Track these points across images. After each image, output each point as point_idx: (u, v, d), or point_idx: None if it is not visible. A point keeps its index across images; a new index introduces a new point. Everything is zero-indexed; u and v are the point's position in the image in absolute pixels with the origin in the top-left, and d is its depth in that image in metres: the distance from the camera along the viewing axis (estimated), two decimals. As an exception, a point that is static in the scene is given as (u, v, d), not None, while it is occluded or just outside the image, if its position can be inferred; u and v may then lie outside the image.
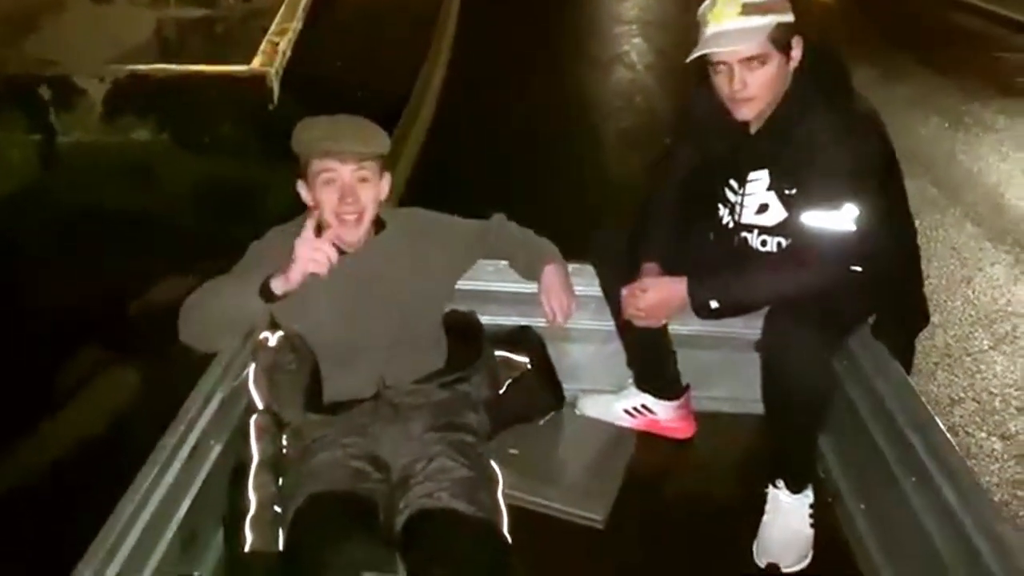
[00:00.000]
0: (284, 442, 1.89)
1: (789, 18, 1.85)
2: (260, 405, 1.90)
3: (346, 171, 1.88)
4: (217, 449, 1.87)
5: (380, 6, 8.53)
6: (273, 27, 6.88)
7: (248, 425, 1.87)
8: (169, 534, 1.67)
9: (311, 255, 1.78)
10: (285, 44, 6.53)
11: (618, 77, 7.68)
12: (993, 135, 6.31)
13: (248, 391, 1.91)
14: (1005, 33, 9.50)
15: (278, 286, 1.79)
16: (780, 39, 1.83)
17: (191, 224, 4.04)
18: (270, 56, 6.18)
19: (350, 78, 5.99)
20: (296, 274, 1.78)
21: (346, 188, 1.88)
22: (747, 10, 1.80)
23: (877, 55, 8.14)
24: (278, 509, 1.76)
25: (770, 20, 1.81)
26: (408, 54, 6.87)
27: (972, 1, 10.49)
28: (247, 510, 1.74)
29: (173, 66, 5.92)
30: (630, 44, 8.74)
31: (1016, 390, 3.42)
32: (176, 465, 1.69)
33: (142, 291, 3.57)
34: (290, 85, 5.96)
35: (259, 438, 1.85)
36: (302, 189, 1.94)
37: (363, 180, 1.90)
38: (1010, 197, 5.21)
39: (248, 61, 6.05)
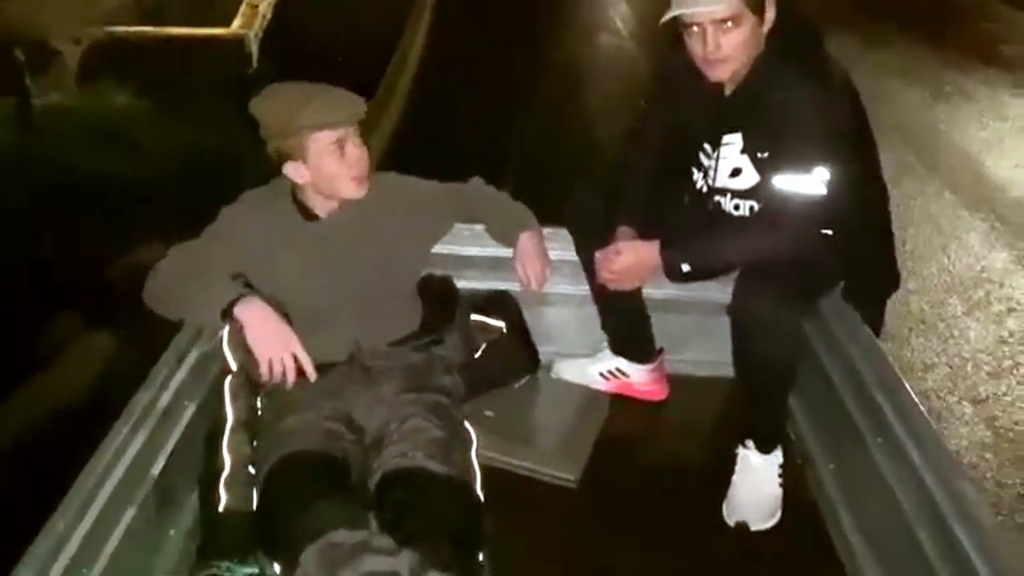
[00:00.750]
0: (258, 404, 1.90)
1: None
2: (234, 367, 1.89)
3: (351, 135, 1.90)
4: (191, 409, 1.88)
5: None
6: (252, -11, 6.78)
7: (223, 386, 1.88)
8: (143, 492, 1.69)
9: (272, 357, 1.80)
10: (265, 7, 6.43)
11: (603, 43, 7.63)
12: (974, 105, 6.32)
13: (223, 352, 1.91)
14: (991, 2, 9.49)
15: (240, 316, 1.80)
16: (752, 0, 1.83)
17: (168, 188, 4.00)
18: (249, 19, 6.09)
19: (330, 43, 5.93)
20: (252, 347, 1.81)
21: (355, 152, 1.91)
22: None
23: (858, 22, 8.11)
24: (252, 470, 1.77)
25: None
26: (389, 21, 6.79)
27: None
28: (221, 470, 1.75)
29: (150, 28, 5.83)
30: (615, 11, 8.67)
31: (988, 355, 3.46)
32: (150, 423, 1.70)
33: (119, 256, 3.54)
34: (270, 49, 5.90)
35: (234, 399, 1.85)
36: (295, 168, 1.91)
37: (363, 140, 1.93)
38: (989, 166, 5.24)
39: (227, 24, 5.96)
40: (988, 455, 2.94)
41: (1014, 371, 3.37)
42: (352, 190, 1.94)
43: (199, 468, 1.80)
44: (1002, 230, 4.45)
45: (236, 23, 5.97)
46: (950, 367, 3.38)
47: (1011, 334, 3.60)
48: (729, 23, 1.82)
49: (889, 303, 2.27)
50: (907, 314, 3.68)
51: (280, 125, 1.87)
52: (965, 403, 3.18)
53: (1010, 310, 3.76)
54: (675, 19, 1.86)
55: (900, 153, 5.29)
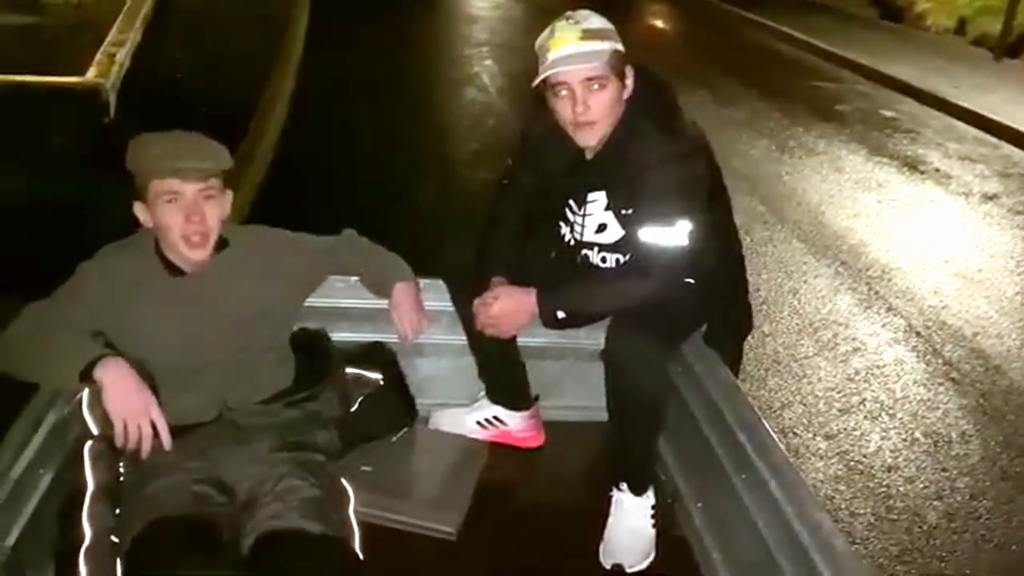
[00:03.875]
0: (121, 469, 1.81)
1: (622, 48, 1.96)
2: (95, 431, 1.81)
3: (191, 190, 1.83)
4: (47, 477, 1.77)
5: (226, 18, 8.30)
6: (110, 37, 6.57)
7: (82, 452, 1.78)
8: (-5, 568, 1.57)
9: (128, 420, 1.72)
10: (123, 55, 6.24)
11: (470, 99, 7.79)
12: (815, 157, 6.82)
13: (82, 416, 1.82)
14: (821, 63, 10.32)
15: (99, 377, 1.71)
16: (617, 65, 1.94)
17: (15, 245, 3.78)
18: (106, 67, 5.89)
19: (192, 92, 5.80)
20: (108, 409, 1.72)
21: (192, 208, 1.83)
22: (587, 35, 1.91)
23: (707, 79, 8.66)
24: (115, 539, 1.68)
25: (608, 46, 1.92)
26: (253, 69, 6.72)
27: (791, 32, 11.33)
28: (81, 541, 1.66)
29: (-2, 76, 5.54)
30: (481, 66, 8.88)
31: (837, 392, 3.70)
32: (1, 495, 1.59)
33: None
34: (128, 98, 5.71)
35: (94, 465, 1.77)
36: (140, 211, 1.88)
37: (208, 198, 1.86)
38: (830, 215, 5.65)
39: (81, 73, 5.74)
40: (841, 487, 3.13)
41: (861, 407, 3.61)
42: (183, 248, 1.86)
43: (56, 539, 1.70)
44: (845, 275, 4.80)
45: (91, 72, 5.77)
46: (804, 405, 3.60)
47: (857, 372, 3.86)
48: (596, 84, 1.92)
49: (746, 345, 2.42)
50: (763, 355, 3.90)
51: (129, 164, 1.86)
52: (819, 439, 3.38)
53: (855, 350, 4.05)
54: (544, 83, 1.94)
55: (750, 201, 5.64)
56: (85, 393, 1.81)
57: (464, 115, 7.34)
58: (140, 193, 1.86)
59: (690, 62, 9.63)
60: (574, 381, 2.53)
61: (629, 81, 1.98)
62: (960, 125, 7.98)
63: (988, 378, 3.89)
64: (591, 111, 1.94)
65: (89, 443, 1.79)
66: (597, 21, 1.95)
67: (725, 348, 2.20)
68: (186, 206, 1.83)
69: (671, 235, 1.95)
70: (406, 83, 7.96)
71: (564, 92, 1.94)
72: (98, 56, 6.08)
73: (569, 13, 1.96)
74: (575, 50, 1.90)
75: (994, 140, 7.59)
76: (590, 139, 2.00)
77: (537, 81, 1.95)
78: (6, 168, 4.62)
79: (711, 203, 2.04)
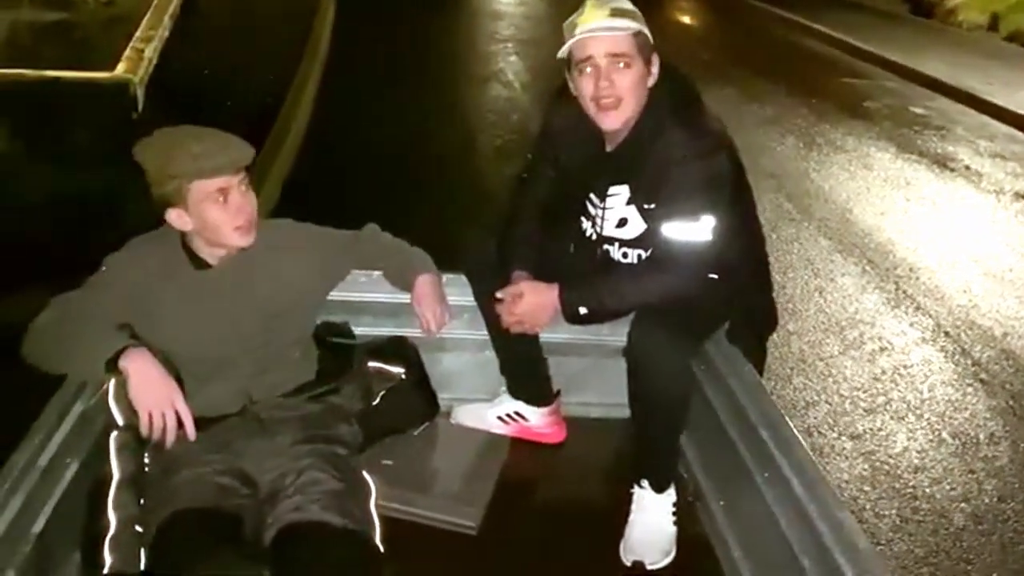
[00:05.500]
0: (146, 459, 1.83)
1: (649, 34, 1.95)
2: (120, 421, 1.82)
3: (235, 182, 1.84)
4: (74, 466, 1.80)
5: (253, 15, 8.36)
6: (139, 33, 6.64)
7: (108, 442, 1.80)
8: (21, 556, 1.59)
9: (153, 411, 1.73)
10: (151, 51, 6.31)
11: (495, 94, 7.79)
12: (843, 155, 6.75)
13: (108, 406, 1.84)
14: (850, 59, 10.21)
15: (124, 368, 1.72)
16: (644, 48, 1.94)
17: (46, 238, 3.83)
18: (134, 63, 5.96)
19: (219, 87, 5.85)
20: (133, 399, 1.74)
21: (239, 201, 1.84)
22: (615, 13, 1.91)
23: (734, 76, 8.60)
24: (139, 529, 1.70)
25: (636, 25, 1.92)
26: (280, 64, 6.76)
27: (821, 28, 11.22)
28: (106, 530, 1.68)
29: (28, 71, 5.62)
30: (506, 62, 8.88)
31: (863, 392, 3.66)
32: (28, 483, 1.61)
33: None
34: (156, 94, 5.77)
35: (119, 455, 1.79)
36: (177, 217, 1.84)
37: (247, 188, 1.88)
38: (858, 213, 5.59)
39: (111, 68, 5.81)
40: (867, 487, 3.09)
41: (887, 407, 3.57)
42: (236, 239, 1.87)
43: (82, 528, 1.72)
44: (872, 274, 4.74)
45: (120, 67, 5.84)
46: (829, 404, 3.56)
47: (883, 372, 3.82)
48: (622, 60, 1.91)
49: (770, 344, 2.39)
50: (788, 354, 3.86)
51: (160, 171, 1.80)
52: (844, 439, 3.35)
53: (882, 349, 4.00)
54: (569, 64, 1.93)
55: (777, 199, 5.60)
56: (111, 384, 1.82)
57: (489, 110, 7.34)
58: (175, 198, 1.81)
59: (718, 58, 9.57)
60: (596, 377, 2.52)
61: (655, 69, 1.97)
62: (992, 122, 7.86)
63: (1018, 379, 3.82)
64: (615, 87, 1.92)
65: (115, 433, 1.81)
66: (627, 2, 1.96)
67: (749, 346, 2.19)
68: (234, 199, 1.84)
69: (695, 230, 1.94)
70: (431, 79, 7.98)
71: (589, 69, 1.93)
72: (127, 52, 6.15)
73: None
74: (605, 23, 1.90)
75: (1026, 137, 7.49)
76: (613, 122, 1.97)
77: (563, 52, 1.94)
78: (35, 162, 4.69)
79: (735, 198, 2.02)
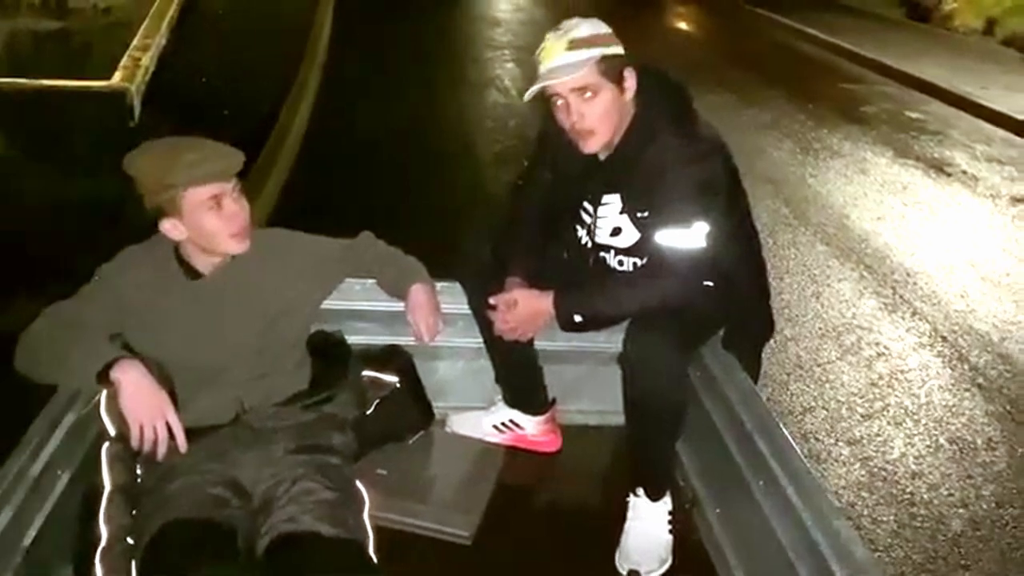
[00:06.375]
0: (138, 471, 1.82)
1: (617, 50, 1.95)
2: (112, 432, 1.82)
3: (228, 189, 1.84)
4: (65, 478, 1.79)
5: (250, 21, 8.37)
6: (136, 41, 6.64)
7: (99, 452, 1.80)
8: (11, 569, 1.58)
9: (143, 423, 1.73)
10: (148, 59, 6.31)
11: (492, 100, 7.79)
12: (840, 159, 6.75)
13: (100, 417, 1.83)
14: (847, 64, 10.22)
15: (115, 379, 1.72)
16: (610, 70, 1.92)
17: (43, 246, 3.83)
18: (131, 71, 5.96)
19: (217, 95, 5.85)
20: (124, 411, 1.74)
21: (233, 207, 1.85)
22: (573, 45, 1.90)
23: (732, 81, 8.61)
24: (131, 541, 1.70)
25: (596, 52, 1.91)
26: (277, 72, 6.76)
27: (818, 33, 11.24)
28: (97, 542, 1.67)
29: (24, 80, 5.62)
30: (503, 69, 8.88)
31: (861, 398, 3.65)
32: (19, 494, 1.60)
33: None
34: (153, 102, 5.77)
35: (111, 466, 1.78)
36: (172, 227, 1.84)
37: (239, 195, 1.88)
38: (855, 218, 5.58)
39: (108, 76, 5.81)
40: (864, 493, 3.08)
41: (884, 412, 3.56)
42: (231, 246, 1.88)
43: (73, 540, 1.71)
44: (869, 278, 4.74)
45: (117, 76, 5.84)
46: (826, 410, 3.55)
47: (880, 377, 3.81)
48: (587, 92, 1.91)
49: (768, 349, 2.39)
50: (785, 360, 3.85)
51: (153, 182, 1.80)
52: (841, 444, 3.34)
53: (879, 354, 3.99)
54: (542, 92, 1.94)
55: (774, 204, 5.59)
56: (103, 395, 1.82)
57: (486, 116, 7.34)
58: (169, 207, 1.81)
59: (715, 63, 9.57)
60: (591, 385, 2.52)
61: (630, 83, 1.97)
62: (988, 127, 7.86)
63: (1015, 383, 3.81)
64: (585, 119, 1.94)
65: (106, 444, 1.81)
66: (586, 29, 1.93)
67: (744, 352, 2.18)
68: (228, 206, 1.84)
69: (688, 237, 1.93)
70: (429, 85, 7.98)
71: (559, 102, 1.95)
72: (124, 60, 6.15)
73: (562, 23, 1.96)
74: (562, 61, 1.90)
75: (1023, 142, 7.48)
76: (592, 146, 1.99)
77: (529, 95, 1.95)
78: (33, 171, 4.68)
79: (729, 205, 2.02)
